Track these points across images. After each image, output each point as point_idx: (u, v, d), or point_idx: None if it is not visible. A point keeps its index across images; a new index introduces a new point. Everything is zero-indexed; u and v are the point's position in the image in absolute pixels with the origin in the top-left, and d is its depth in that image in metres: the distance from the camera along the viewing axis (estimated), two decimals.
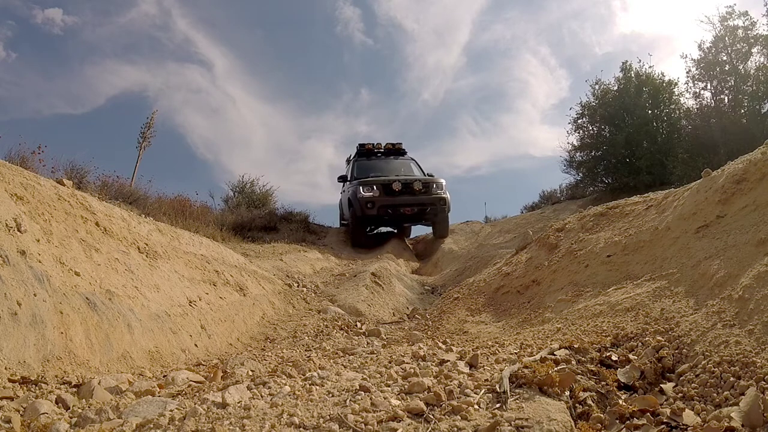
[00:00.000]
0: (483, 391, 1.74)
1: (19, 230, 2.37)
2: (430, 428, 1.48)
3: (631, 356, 2.14)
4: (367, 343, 3.26)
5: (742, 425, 1.47)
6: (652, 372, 2.00)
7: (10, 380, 1.82)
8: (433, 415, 1.56)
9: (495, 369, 2.08)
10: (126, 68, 33.91)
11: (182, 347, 2.84)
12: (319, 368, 2.40)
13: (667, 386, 1.89)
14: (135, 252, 3.33)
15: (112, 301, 2.59)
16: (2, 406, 1.66)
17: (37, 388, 1.87)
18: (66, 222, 2.87)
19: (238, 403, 1.74)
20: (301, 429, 1.50)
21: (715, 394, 1.71)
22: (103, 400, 1.89)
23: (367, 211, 9.10)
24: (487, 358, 2.33)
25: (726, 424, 1.48)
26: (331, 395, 1.81)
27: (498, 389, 1.73)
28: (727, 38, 10.18)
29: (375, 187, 9.15)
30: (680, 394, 1.80)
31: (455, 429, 1.46)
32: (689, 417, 1.61)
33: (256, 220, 9.75)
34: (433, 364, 2.25)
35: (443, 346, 2.79)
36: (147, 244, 3.53)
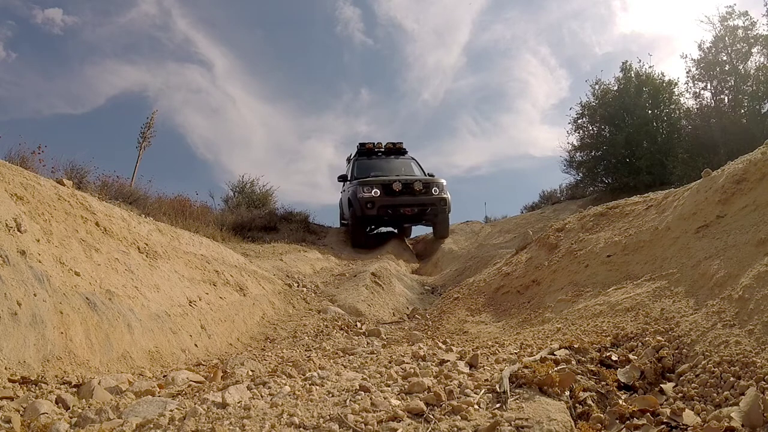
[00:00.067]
0: (483, 391, 1.74)
1: (19, 230, 2.37)
2: (430, 428, 1.48)
3: (631, 356, 2.14)
4: (367, 343, 3.26)
5: (742, 425, 1.47)
6: (652, 372, 2.00)
7: (10, 380, 1.82)
8: (433, 415, 1.56)
9: (495, 369, 2.08)
10: (126, 68, 33.94)
11: (182, 347, 2.84)
12: (319, 368, 2.40)
13: (667, 386, 1.89)
14: (135, 252, 3.33)
15: (112, 301, 2.59)
16: (2, 406, 1.66)
17: (37, 388, 1.87)
18: (66, 222, 2.87)
19: (238, 403, 1.74)
20: (301, 429, 1.50)
21: (715, 394, 1.71)
22: (103, 400, 1.89)
23: (367, 212, 9.07)
24: (487, 358, 2.33)
25: (726, 424, 1.48)
26: (331, 395, 1.81)
27: (498, 389, 1.73)
28: (727, 38, 10.18)
29: (375, 187, 9.12)
30: (680, 394, 1.80)
31: (455, 429, 1.46)
32: (689, 417, 1.61)
33: (256, 220, 9.75)
34: (433, 364, 2.25)
35: (443, 346, 2.79)
36: (147, 244, 3.53)
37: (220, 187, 23.22)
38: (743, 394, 1.59)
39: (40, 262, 2.34)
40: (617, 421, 1.69)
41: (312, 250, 7.95)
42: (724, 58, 10.27)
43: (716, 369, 1.79)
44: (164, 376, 2.29)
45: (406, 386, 1.84)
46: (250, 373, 2.43)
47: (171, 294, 3.24)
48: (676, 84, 11.20)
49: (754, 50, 9.99)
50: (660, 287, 2.64)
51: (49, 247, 2.54)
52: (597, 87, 12.10)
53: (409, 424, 1.50)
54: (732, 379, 1.71)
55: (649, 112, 11.29)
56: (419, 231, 12.21)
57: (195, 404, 1.72)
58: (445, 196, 9.44)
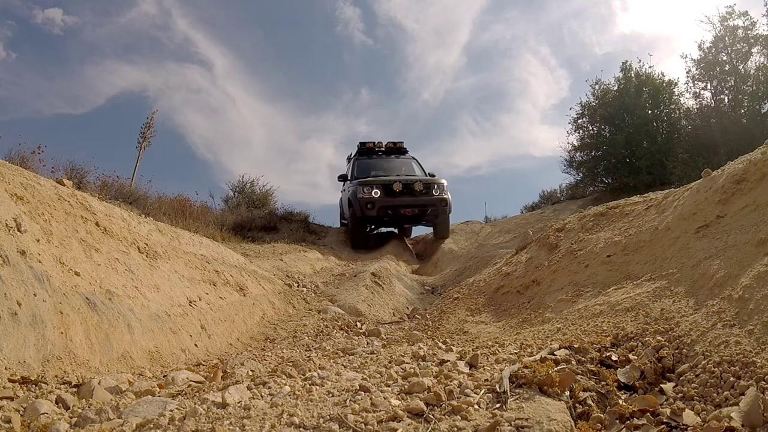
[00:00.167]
0: (483, 391, 1.74)
1: (19, 230, 2.37)
2: (430, 428, 1.48)
3: (631, 356, 2.14)
4: (367, 343, 3.26)
5: (742, 425, 1.47)
6: (652, 372, 2.00)
7: (10, 380, 1.82)
8: (433, 415, 1.56)
9: (495, 369, 2.08)
10: (126, 68, 33.96)
11: (182, 347, 2.84)
12: (319, 368, 2.40)
13: (667, 386, 1.89)
14: (135, 252, 3.33)
15: (112, 301, 2.59)
16: (2, 406, 1.66)
17: (37, 388, 1.87)
18: (66, 222, 2.87)
19: (238, 403, 1.74)
20: (301, 429, 1.50)
21: (715, 394, 1.71)
22: (103, 400, 1.89)
23: (367, 212, 9.02)
24: (487, 358, 2.33)
25: (726, 424, 1.48)
26: (331, 395, 1.81)
27: (498, 389, 1.73)
28: (727, 38, 10.19)
29: (375, 187, 9.06)
30: (680, 394, 1.80)
31: (455, 429, 1.46)
32: (689, 417, 1.61)
33: (256, 220, 9.75)
34: (433, 364, 2.25)
35: (443, 346, 2.79)
36: (147, 244, 3.53)
37: (220, 187, 23.25)
38: (743, 394, 1.59)
39: (40, 262, 2.34)
40: (617, 421, 1.69)
41: (312, 250, 7.95)
42: (724, 58, 10.28)
43: (716, 369, 1.79)
44: (164, 376, 2.29)
45: (406, 386, 1.84)
46: (250, 373, 2.43)
47: (171, 294, 3.24)
48: (676, 84, 11.23)
49: (754, 50, 10.00)
50: (660, 287, 2.64)
51: (49, 247, 2.54)
52: (597, 87, 12.12)
53: (409, 424, 1.50)
54: (732, 379, 1.71)
55: (649, 112, 11.30)
56: (419, 231, 12.23)
57: (195, 404, 1.72)
58: (445, 196, 9.38)
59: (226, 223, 8.67)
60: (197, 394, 2.00)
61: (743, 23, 10.07)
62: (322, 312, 4.32)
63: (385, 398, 1.71)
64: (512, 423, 1.47)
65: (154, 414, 1.68)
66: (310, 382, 2.05)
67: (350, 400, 1.71)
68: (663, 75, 11.36)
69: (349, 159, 11.53)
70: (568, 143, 12.52)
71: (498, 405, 1.62)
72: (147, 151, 10.69)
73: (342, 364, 2.53)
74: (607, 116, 11.64)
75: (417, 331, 3.68)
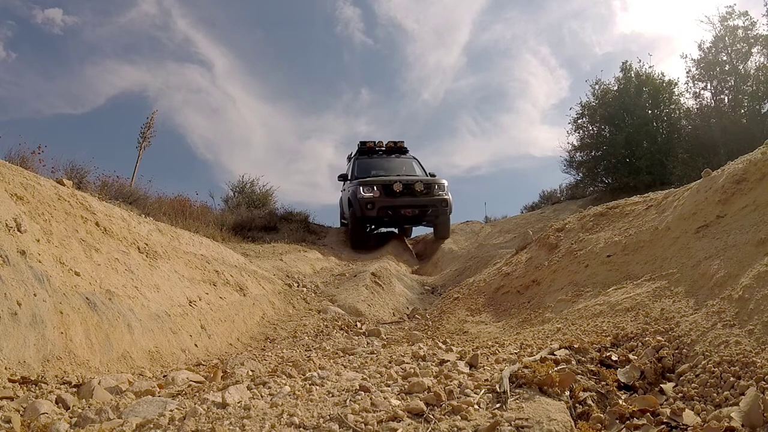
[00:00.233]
0: (483, 391, 1.74)
1: (19, 230, 2.37)
2: (430, 428, 1.48)
3: (631, 356, 2.14)
4: (367, 343, 3.26)
5: (742, 425, 1.47)
6: (652, 372, 2.00)
7: (10, 380, 1.82)
8: (433, 415, 1.56)
9: (495, 369, 2.08)
10: (126, 68, 33.97)
11: (182, 347, 2.84)
12: (319, 368, 2.40)
13: (667, 386, 1.89)
14: (135, 252, 3.33)
15: (112, 301, 2.59)
16: (2, 406, 1.66)
17: (37, 388, 1.87)
18: (66, 222, 2.87)
19: (238, 403, 1.74)
20: (301, 429, 1.50)
21: (715, 394, 1.71)
22: (103, 400, 1.89)
23: (367, 212, 8.97)
24: (487, 358, 2.33)
25: (726, 424, 1.48)
26: (331, 395, 1.81)
27: (498, 389, 1.73)
28: (727, 38, 10.19)
29: (375, 187, 9.01)
30: (680, 394, 1.80)
31: (455, 429, 1.46)
32: (689, 417, 1.61)
33: (256, 220, 9.75)
34: (433, 364, 2.25)
35: (443, 346, 2.79)
36: (147, 244, 3.53)
37: (220, 187, 23.24)
38: (743, 394, 1.59)
39: (40, 262, 2.34)
40: (617, 421, 1.69)
41: (312, 250, 7.95)
42: (724, 58, 10.28)
43: (716, 369, 1.79)
44: (164, 376, 2.29)
45: (406, 386, 1.84)
46: (250, 373, 2.43)
47: (171, 294, 3.24)
48: (676, 84, 11.23)
49: (754, 50, 10.00)
50: (660, 287, 2.64)
51: (49, 247, 2.54)
52: (597, 87, 12.12)
53: (409, 424, 1.50)
54: (732, 379, 1.71)
55: (649, 112, 11.30)
56: (419, 231, 12.22)
57: (195, 404, 1.72)
58: (446, 197, 9.33)
59: (226, 223, 8.67)
60: (197, 394, 2.00)
61: (743, 23, 10.08)
62: (322, 312, 4.32)
63: (385, 398, 1.71)
64: (512, 423, 1.47)
65: (154, 414, 1.68)
66: (310, 382, 2.05)
67: (350, 400, 1.71)
68: (663, 75, 11.39)
69: (349, 158, 11.48)
70: (568, 143, 12.55)
71: (498, 405, 1.62)
72: (147, 151, 10.70)
73: (342, 364, 2.53)
74: (607, 116, 11.64)
75: (417, 331, 3.68)
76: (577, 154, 12.39)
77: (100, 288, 2.63)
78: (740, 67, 10.05)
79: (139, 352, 2.51)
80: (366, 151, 10.93)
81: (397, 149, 11.04)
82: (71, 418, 1.69)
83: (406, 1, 45.02)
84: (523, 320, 3.30)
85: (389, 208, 9.02)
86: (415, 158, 10.88)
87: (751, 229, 2.47)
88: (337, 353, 2.94)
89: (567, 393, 1.76)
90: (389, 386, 1.88)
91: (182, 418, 1.60)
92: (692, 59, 10.66)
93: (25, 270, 2.18)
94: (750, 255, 2.30)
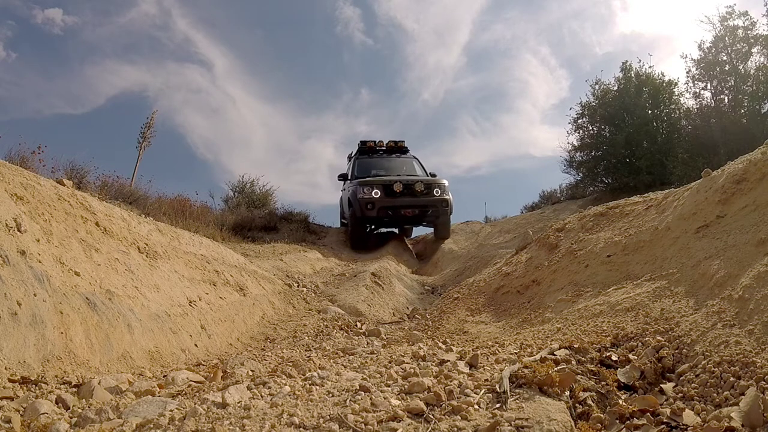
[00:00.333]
0: (483, 391, 1.74)
1: (19, 230, 2.37)
2: (430, 428, 1.48)
3: (631, 356, 2.14)
4: (367, 343, 3.26)
5: (742, 425, 1.47)
6: (652, 372, 2.00)
7: (10, 380, 1.82)
8: (433, 415, 1.56)
9: (495, 369, 2.08)
10: (126, 68, 33.97)
11: (182, 347, 2.84)
12: (319, 368, 2.40)
13: (667, 386, 1.89)
14: (135, 252, 3.33)
15: (112, 301, 2.59)
16: (2, 406, 1.66)
17: (37, 388, 1.87)
18: (66, 222, 2.87)
19: (238, 403, 1.74)
20: (301, 429, 1.50)
21: (715, 394, 1.71)
22: (103, 400, 1.89)
23: (367, 213, 8.94)
24: (487, 358, 2.33)
25: (726, 424, 1.48)
26: (331, 395, 1.81)
27: (498, 389, 1.73)
28: (727, 38, 10.19)
29: (375, 187, 8.98)
30: (680, 394, 1.80)
31: (455, 429, 1.46)
32: (689, 417, 1.61)
33: (256, 220, 9.75)
34: (433, 364, 2.25)
35: (443, 346, 2.79)
36: (147, 244, 3.53)
37: (220, 187, 23.25)
38: (743, 394, 1.59)
39: (40, 262, 2.34)
40: (617, 421, 1.69)
41: (312, 250, 7.95)
42: (724, 58, 10.28)
43: (716, 369, 1.79)
44: (164, 376, 2.29)
45: (406, 386, 1.84)
46: (250, 373, 2.43)
47: (171, 294, 3.24)
48: (676, 84, 11.23)
49: (754, 50, 10.00)
50: (660, 287, 2.64)
51: (49, 247, 2.54)
52: (597, 87, 12.13)
53: (409, 424, 1.50)
54: (732, 379, 1.71)
55: (649, 112, 11.30)
56: (420, 231, 12.22)
57: (195, 404, 1.72)
58: (446, 197, 9.30)
59: (226, 223, 8.67)
60: (197, 394, 2.00)
61: (743, 23, 10.09)
62: (322, 312, 4.32)
63: (385, 398, 1.71)
64: (512, 423, 1.47)
65: (154, 414, 1.68)
66: (310, 382, 2.05)
67: (350, 400, 1.71)
68: (663, 75, 11.39)
69: (349, 158, 11.45)
70: (568, 143, 12.55)
71: (498, 405, 1.62)
72: (147, 151, 10.70)
73: (342, 364, 2.53)
74: (607, 116, 11.65)
75: (417, 331, 3.68)
76: (577, 154, 12.40)
77: (100, 288, 2.63)
78: (740, 67, 10.06)
79: (139, 352, 2.51)
80: (366, 150, 10.88)
81: (398, 149, 11.00)
82: (71, 418, 1.69)
83: (406, 1, 45.06)
84: (523, 320, 3.30)
85: (389, 208, 8.99)
86: (415, 158, 10.84)
87: (751, 229, 2.47)
88: (337, 353, 2.94)
89: (567, 393, 1.76)
90: (389, 386, 1.88)
91: (182, 418, 1.60)
92: (692, 59, 10.68)
93: (25, 270, 2.18)
94: (750, 255, 2.30)
